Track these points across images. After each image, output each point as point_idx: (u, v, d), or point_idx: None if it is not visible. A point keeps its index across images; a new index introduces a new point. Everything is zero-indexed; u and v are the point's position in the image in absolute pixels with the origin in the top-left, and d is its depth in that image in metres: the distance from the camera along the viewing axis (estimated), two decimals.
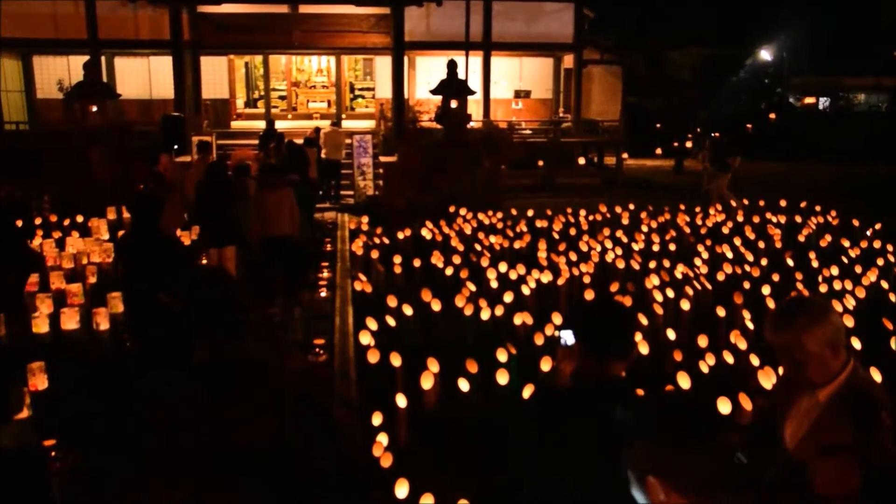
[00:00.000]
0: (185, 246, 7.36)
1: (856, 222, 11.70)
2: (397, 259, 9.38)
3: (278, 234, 8.17)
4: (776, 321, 2.44)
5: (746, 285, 8.34)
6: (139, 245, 5.69)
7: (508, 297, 7.75)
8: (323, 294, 8.83)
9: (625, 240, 10.78)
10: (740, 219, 12.53)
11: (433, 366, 5.75)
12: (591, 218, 12.53)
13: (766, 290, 7.96)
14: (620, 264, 9.27)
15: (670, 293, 7.85)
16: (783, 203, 13.36)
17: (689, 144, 23.29)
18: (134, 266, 5.72)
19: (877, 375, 5.55)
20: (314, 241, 10.90)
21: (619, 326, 2.58)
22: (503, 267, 8.85)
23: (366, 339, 6.53)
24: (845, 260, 9.64)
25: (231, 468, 4.86)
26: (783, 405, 2.60)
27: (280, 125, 18.13)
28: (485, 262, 9.21)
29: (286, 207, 8.26)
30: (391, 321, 7.18)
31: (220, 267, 8.00)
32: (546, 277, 8.57)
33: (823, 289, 8.38)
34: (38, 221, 11.44)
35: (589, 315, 2.73)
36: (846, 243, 10.42)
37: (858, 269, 9.02)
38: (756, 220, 12.36)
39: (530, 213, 12.73)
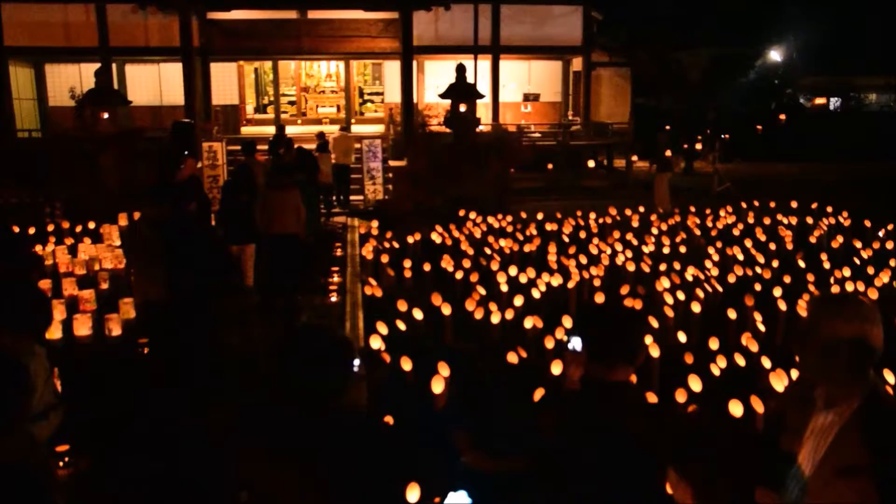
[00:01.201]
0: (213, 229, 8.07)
1: (867, 223, 11.63)
2: (407, 263, 9.40)
3: (283, 231, 8.42)
4: (848, 305, 2.24)
5: (757, 287, 8.31)
6: (178, 226, 6.47)
7: (518, 301, 7.75)
8: (333, 298, 8.84)
9: (635, 242, 10.75)
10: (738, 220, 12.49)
11: (444, 370, 5.75)
12: (600, 221, 12.52)
13: (777, 292, 7.92)
14: (631, 267, 9.25)
15: (681, 295, 7.82)
16: (794, 204, 13.31)
17: (698, 146, 23.23)
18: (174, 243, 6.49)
19: (890, 377, 5.52)
20: (317, 242, 11.23)
21: (622, 330, 2.51)
22: (513, 270, 8.85)
23: (376, 343, 6.54)
24: (857, 261, 9.59)
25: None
26: (797, 425, 2.39)
27: (290, 130, 18.19)
28: (495, 266, 9.21)
29: (292, 207, 8.50)
30: (401, 325, 7.19)
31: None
32: (556, 281, 8.56)
33: (835, 290, 8.33)
34: (50, 228, 11.52)
35: (592, 318, 2.69)
36: (858, 244, 10.36)
37: (871, 271, 8.96)
38: (767, 221, 12.31)
39: (540, 216, 12.73)
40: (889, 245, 10.37)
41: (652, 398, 5.26)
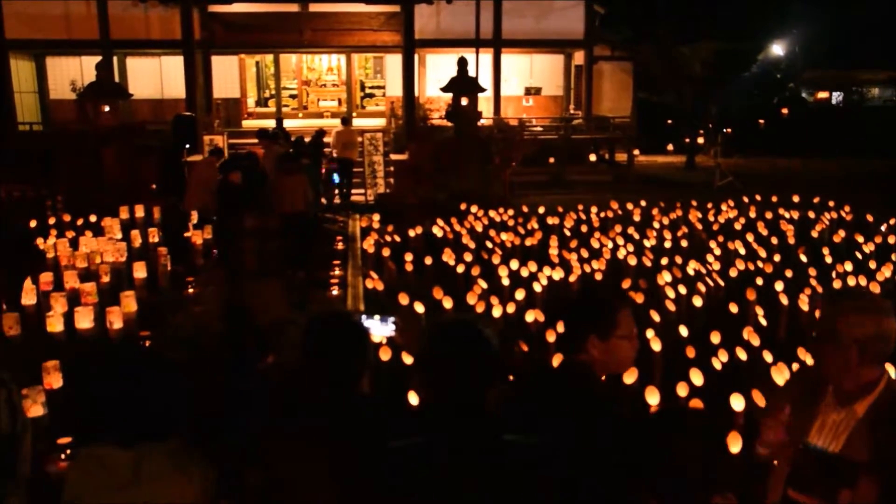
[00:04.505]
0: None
1: (870, 217, 11.61)
2: (408, 257, 9.39)
3: (294, 210, 9.79)
4: (869, 301, 2.23)
5: (759, 281, 8.29)
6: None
7: (520, 295, 7.75)
8: (334, 292, 8.85)
9: (636, 236, 10.74)
10: (747, 214, 12.47)
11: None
12: (602, 214, 12.50)
13: (778, 286, 7.91)
14: (632, 261, 9.25)
15: (682, 289, 7.82)
16: (796, 198, 13.28)
17: (700, 140, 23.19)
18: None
19: (891, 370, 5.51)
20: (320, 217, 12.61)
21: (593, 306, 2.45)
22: (514, 264, 8.84)
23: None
24: (859, 255, 9.57)
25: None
26: (802, 421, 2.36)
27: (291, 124, 18.17)
28: (496, 260, 9.20)
29: (301, 189, 9.89)
30: None
31: None
32: (558, 274, 8.56)
33: (837, 284, 8.32)
34: (51, 221, 11.53)
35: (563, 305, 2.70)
36: (860, 239, 10.34)
37: (873, 265, 8.96)
38: (769, 215, 12.29)
39: (541, 210, 12.71)
40: (891, 239, 10.36)
41: (653, 392, 5.28)
